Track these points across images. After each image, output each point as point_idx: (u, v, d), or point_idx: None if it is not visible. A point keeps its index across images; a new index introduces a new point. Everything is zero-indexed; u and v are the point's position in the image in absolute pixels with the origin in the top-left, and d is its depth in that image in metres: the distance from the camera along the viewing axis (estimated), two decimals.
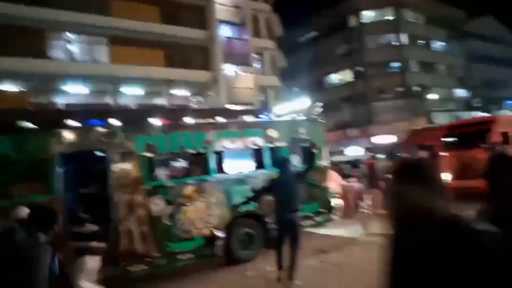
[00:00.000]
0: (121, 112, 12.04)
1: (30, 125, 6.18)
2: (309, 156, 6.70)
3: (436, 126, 20.50)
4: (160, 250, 6.38)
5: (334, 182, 10.08)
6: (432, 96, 36.58)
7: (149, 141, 6.67)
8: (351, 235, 8.44)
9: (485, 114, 36.64)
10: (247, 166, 7.86)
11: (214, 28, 24.26)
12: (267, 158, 7.76)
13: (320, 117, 8.87)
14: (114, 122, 6.84)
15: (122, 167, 6.38)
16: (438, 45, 41.07)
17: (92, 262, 4.79)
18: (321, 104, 9.25)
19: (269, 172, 7.64)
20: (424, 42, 39.44)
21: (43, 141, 5.95)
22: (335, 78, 40.75)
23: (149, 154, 6.64)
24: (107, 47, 21.01)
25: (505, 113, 38.26)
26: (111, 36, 20.78)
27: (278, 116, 8.99)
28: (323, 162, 8.50)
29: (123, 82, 21.32)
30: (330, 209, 8.22)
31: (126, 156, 6.44)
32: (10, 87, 18.44)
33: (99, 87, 21.17)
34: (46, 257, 2.76)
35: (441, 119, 34.97)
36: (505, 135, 11.83)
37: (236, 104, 23.26)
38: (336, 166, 12.97)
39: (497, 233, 1.47)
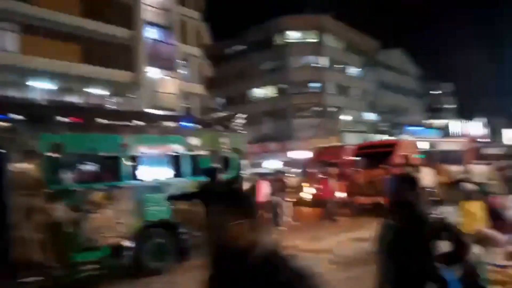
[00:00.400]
0: (25, 106, 10.93)
1: None
2: (231, 166, 6.68)
3: (339, 145, 22.00)
4: (60, 260, 5.82)
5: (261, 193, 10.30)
6: (345, 117, 39.24)
7: (56, 141, 6.10)
8: None
9: (391, 137, 40.26)
10: (164, 173, 7.57)
11: (139, 28, 23.41)
12: (186, 166, 7.57)
13: (242, 129, 8.94)
14: (17, 117, 6.16)
15: (22, 167, 5.73)
16: (353, 70, 44.29)
17: None
18: (244, 116, 9.33)
19: (187, 180, 7.47)
20: (341, 66, 42.27)
21: None
22: (259, 92, 41.72)
23: (54, 155, 6.07)
24: (18, 35, 19.10)
25: (406, 137, 42.50)
26: (24, 24, 18.95)
27: (201, 124, 8.87)
28: (245, 172, 8.54)
29: (33, 75, 19.50)
30: None
31: (27, 155, 5.81)
32: None
33: (4, 78, 19.08)
34: None
35: (352, 139, 37.55)
36: (405, 157, 13.14)
37: (158, 109, 22.59)
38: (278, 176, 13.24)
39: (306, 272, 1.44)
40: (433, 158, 14.27)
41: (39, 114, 6.84)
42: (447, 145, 17.05)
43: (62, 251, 5.85)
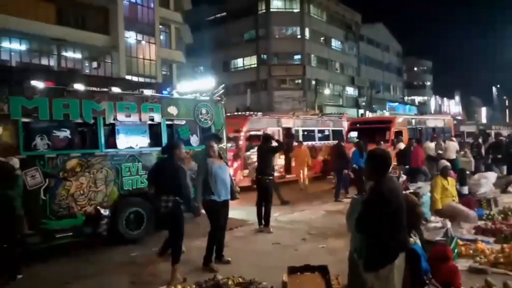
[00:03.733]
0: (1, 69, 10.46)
1: None
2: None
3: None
4: (33, 227, 5.72)
5: None
6: (326, 91, 39.32)
7: (28, 105, 5.86)
8: (243, 218, 8.61)
9: (371, 113, 40.76)
10: (141, 142, 7.43)
11: None
12: (163, 136, 7.46)
13: (221, 99, 8.82)
14: None
15: None
16: (335, 44, 44.05)
17: None
18: (223, 85, 9.18)
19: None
20: (324, 39, 41.92)
21: None
22: (240, 62, 41.10)
23: (27, 119, 5.85)
24: None
25: (389, 113, 43.25)
26: None
27: (180, 93, 8.69)
28: (224, 143, 8.49)
29: (4, 35, 18.55)
30: None
31: None
32: None
33: None
34: None
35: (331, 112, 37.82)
36: (399, 133, 14.20)
37: (136, 75, 22.04)
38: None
39: None
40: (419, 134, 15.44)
41: (10, 77, 6.55)
42: (430, 122, 18.09)
43: (36, 218, 5.74)
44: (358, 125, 17.59)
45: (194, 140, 8.21)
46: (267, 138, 8.30)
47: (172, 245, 5.10)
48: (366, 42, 48.77)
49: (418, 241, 3.63)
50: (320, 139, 16.32)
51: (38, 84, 6.24)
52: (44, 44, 20.13)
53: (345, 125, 17.94)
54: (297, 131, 15.33)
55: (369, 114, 39.93)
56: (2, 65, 17.66)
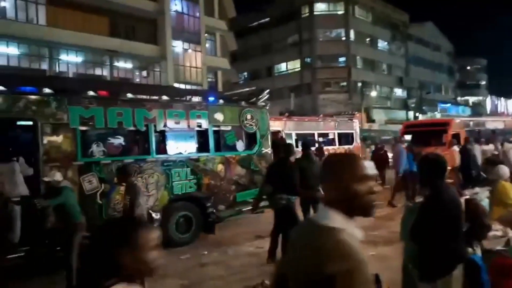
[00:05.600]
0: (56, 80, 11.18)
1: None
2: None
3: None
4: (90, 230, 6.01)
5: None
6: (372, 93, 38.31)
7: (85, 114, 6.21)
8: None
9: (421, 115, 39.20)
10: (189, 147, 7.64)
11: (165, 1, 23.24)
12: (211, 141, 7.61)
13: (266, 104, 8.85)
14: (47, 90, 6.29)
15: (53, 139, 5.88)
16: (382, 44, 42.89)
17: None
18: (268, 91, 9.22)
19: (212, 155, 7.53)
20: (369, 40, 40.97)
21: None
22: (283, 66, 41.13)
23: (84, 128, 6.20)
24: (45, 7, 19.30)
25: (440, 115, 41.37)
26: None
27: (225, 99, 8.83)
28: (267, 148, 8.51)
29: (62, 48, 19.82)
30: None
31: (58, 128, 5.94)
32: None
33: (34, 51, 19.49)
34: None
35: (379, 116, 36.81)
36: (456, 136, 13.39)
37: (183, 83, 22.68)
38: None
39: None
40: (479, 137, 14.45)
41: (69, 88, 6.96)
42: (489, 124, 17.01)
43: (93, 221, 6.03)
44: (412, 128, 16.64)
45: (240, 145, 8.31)
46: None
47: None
48: (414, 42, 47.05)
49: (479, 252, 3.42)
50: (324, 144, 14.21)
51: (94, 94, 6.60)
52: (98, 55, 21.27)
53: (357, 127, 16.14)
54: (288, 135, 13.62)
55: (420, 116, 38.39)
56: (60, 76, 18.87)
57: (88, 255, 1.35)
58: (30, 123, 5.88)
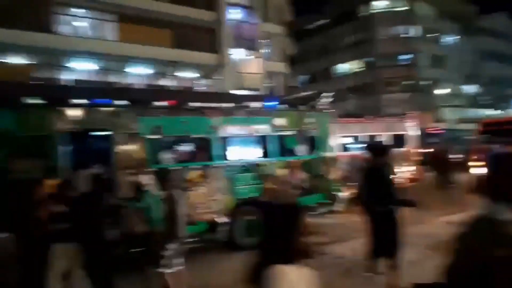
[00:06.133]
0: (127, 92, 11.93)
1: (33, 100, 6.08)
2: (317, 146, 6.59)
3: None
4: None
5: None
6: (440, 91, 36.19)
7: (154, 123, 6.56)
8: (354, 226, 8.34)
9: (495, 112, 36.37)
10: (252, 153, 7.76)
11: (222, 10, 23.87)
12: (272, 146, 7.66)
13: (327, 108, 8.74)
14: (120, 102, 6.73)
15: (126, 148, 6.28)
16: (449, 39, 40.43)
17: None
18: (330, 94, 9.09)
19: (274, 161, 7.57)
20: (435, 35, 38.81)
21: (47, 117, 5.84)
22: (343, 67, 40.32)
23: (153, 136, 6.54)
24: (116, 25, 20.72)
25: None
26: (120, 13, 20.48)
27: (285, 104, 8.86)
28: (329, 152, 8.39)
29: (130, 61, 21.11)
30: (333, 200, 8.14)
31: (130, 137, 6.34)
32: (13, 59, 18.24)
33: (106, 65, 20.97)
34: None
35: (448, 115, 34.70)
36: None
37: (243, 89, 23.09)
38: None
39: None
40: None
41: (138, 99, 7.40)
42: None
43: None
44: (493, 126, 14.94)
45: (301, 150, 8.28)
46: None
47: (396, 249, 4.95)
48: (485, 35, 43.77)
49: None
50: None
51: (162, 103, 6.96)
52: (162, 66, 22.36)
53: (412, 128, 14.30)
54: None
55: (498, 113, 35.54)
56: (130, 88, 20.12)
57: (265, 238, 1.56)
58: (106, 133, 6.33)
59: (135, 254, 5.28)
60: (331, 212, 8.12)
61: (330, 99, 8.87)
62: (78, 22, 19.99)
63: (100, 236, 4.87)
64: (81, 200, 5.01)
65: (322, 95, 8.76)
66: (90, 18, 20.27)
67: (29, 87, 8.95)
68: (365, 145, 7.03)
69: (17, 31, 17.01)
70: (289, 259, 1.27)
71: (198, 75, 24.07)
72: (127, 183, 5.84)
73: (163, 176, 5.18)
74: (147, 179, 5.68)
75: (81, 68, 20.03)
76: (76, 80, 19.70)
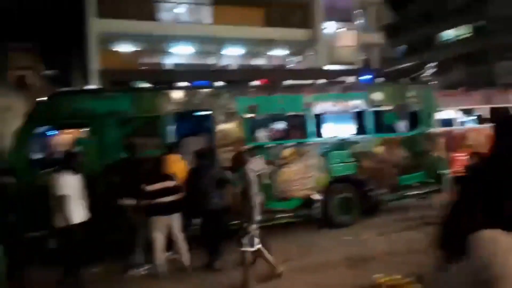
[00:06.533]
0: (224, 73, 12.45)
1: (145, 84, 6.71)
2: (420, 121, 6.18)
3: None
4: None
5: None
6: None
7: (250, 102, 6.76)
8: None
9: None
10: (347, 130, 7.59)
11: None
12: (369, 123, 7.38)
13: (431, 79, 8.09)
14: (218, 83, 7.07)
15: (225, 127, 6.61)
16: None
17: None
18: (433, 64, 8.38)
19: (371, 137, 7.32)
20: None
21: (156, 99, 6.40)
22: (448, 34, 36.59)
23: (250, 115, 6.76)
24: (210, 8, 21.52)
25: None
26: None
27: (383, 77, 8.42)
28: (434, 128, 7.81)
29: (225, 43, 21.83)
30: (438, 179, 7.60)
31: (229, 116, 6.64)
32: (122, 48, 20.17)
33: (203, 48, 22.03)
34: None
35: None
36: None
37: (337, 64, 22.46)
38: None
39: None
40: None
41: (235, 79, 7.70)
42: None
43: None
44: None
45: (402, 126, 7.85)
46: None
47: None
48: None
49: None
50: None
51: (256, 83, 7.14)
52: (256, 46, 22.70)
53: None
54: None
55: None
56: (227, 69, 20.91)
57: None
58: (206, 113, 6.73)
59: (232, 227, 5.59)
60: (437, 192, 7.61)
61: (434, 70, 8.18)
62: (177, 8, 21.21)
63: (209, 206, 5.31)
64: (192, 174, 5.52)
65: (426, 66, 8.11)
66: (187, 3, 21.34)
67: (139, 73, 9.84)
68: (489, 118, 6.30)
69: (126, 21, 18.71)
70: (500, 225, 1.15)
71: (290, 52, 23.99)
72: (226, 159, 6.14)
73: (237, 156, 5.15)
74: (245, 156, 5.93)
75: (180, 52, 21.37)
76: (177, 64, 21.11)
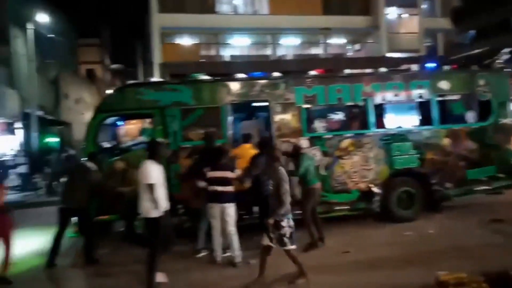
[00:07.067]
0: (281, 63, 12.42)
1: (204, 76, 6.89)
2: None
3: None
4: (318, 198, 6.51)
5: None
6: None
7: (308, 93, 6.69)
8: None
9: None
10: (410, 120, 7.26)
11: None
12: (434, 113, 7.00)
13: (506, 66, 7.48)
14: (275, 73, 7.08)
15: (283, 117, 6.61)
16: None
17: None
18: (509, 50, 7.72)
19: (436, 128, 6.95)
20: None
21: (215, 91, 6.55)
22: None
23: (307, 106, 6.70)
24: None
25: None
26: None
27: (450, 64, 7.93)
28: (506, 118, 7.23)
29: (282, 33, 21.72)
30: (510, 174, 7.05)
31: (286, 107, 6.63)
32: (183, 41, 20.81)
33: (260, 39, 22.11)
34: None
35: None
36: None
37: (399, 51, 21.55)
38: None
39: None
40: None
41: (292, 69, 7.66)
42: None
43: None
44: None
45: (470, 116, 7.36)
46: None
47: None
48: None
49: None
50: None
51: (314, 72, 7.04)
52: (313, 35, 22.35)
53: None
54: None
55: None
56: (284, 59, 20.83)
57: None
58: (264, 104, 6.77)
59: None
60: (508, 187, 7.09)
61: (509, 56, 7.56)
62: (235, 0, 21.42)
63: (265, 193, 5.36)
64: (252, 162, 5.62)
65: (501, 52, 7.50)
66: None
67: (199, 65, 10.12)
68: None
69: (186, 15, 19.28)
70: None
71: (349, 40, 23.35)
72: (285, 148, 6.16)
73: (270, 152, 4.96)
74: (303, 144, 5.92)
75: (238, 44, 21.62)
76: (234, 56, 21.40)
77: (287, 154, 5.87)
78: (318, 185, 5.84)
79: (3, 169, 13.13)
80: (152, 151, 4.71)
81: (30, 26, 16.48)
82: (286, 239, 4.36)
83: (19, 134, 16.67)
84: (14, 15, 17.68)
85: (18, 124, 16.71)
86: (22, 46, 17.98)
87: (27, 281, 5.22)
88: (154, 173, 4.53)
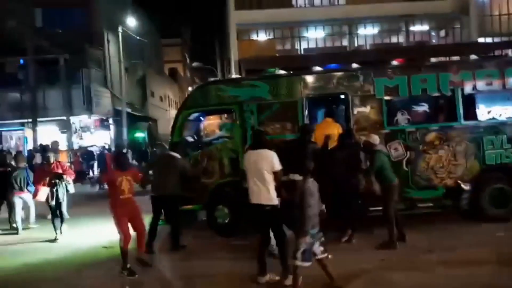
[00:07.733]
0: (358, 54, 12.03)
1: (280, 71, 6.96)
2: None
3: None
4: (398, 195, 6.26)
5: None
6: None
7: (389, 84, 6.42)
8: None
9: None
10: (506, 112, 6.61)
11: None
12: None
13: None
14: (353, 65, 6.90)
15: (362, 110, 6.43)
16: None
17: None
18: None
19: None
20: None
21: (291, 85, 6.59)
22: None
23: (388, 98, 6.44)
24: None
25: None
26: None
27: None
28: None
29: (358, 23, 21.02)
30: None
31: (365, 99, 6.44)
32: (259, 36, 21.10)
33: (336, 30, 21.64)
34: None
35: None
36: None
37: (491, 36, 19.66)
38: None
39: None
40: None
41: (371, 60, 7.38)
42: None
43: (400, 187, 6.18)
44: None
45: None
46: None
47: None
48: None
49: None
50: None
51: (395, 63, 6.73)
52: (393, 22, 21.28)
53: None
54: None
55: None
56: (361, 50, 20.14)
57: None
58: (342, 96, 6.65)
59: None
60: None
61: None
62: None
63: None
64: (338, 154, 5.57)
65: None
66: None
67: (275, 60, 10.23)
68: None
69: (262, 10, 19.53)
70: None
71: (433, 26, 21.83)
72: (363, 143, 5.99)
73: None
74: (375, 139, 5.66)
75: (314, 36, 21.37)
76: (309, 49, 21.21)
77: (363, 150, 5.73)
78: (396, 182, 5.59)
79: (103, 160, 14.17)
80: (259, 141, 4.64)
81: (120, 30, 17.98)
82: (298, 253, 4.02)
83: (112, 130, 18.37)
84: (107, 20, 19.40)
85: (110, 121, 18.40)
86: (113, 48, 19.69)
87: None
88: (277, 160, 4.41)
